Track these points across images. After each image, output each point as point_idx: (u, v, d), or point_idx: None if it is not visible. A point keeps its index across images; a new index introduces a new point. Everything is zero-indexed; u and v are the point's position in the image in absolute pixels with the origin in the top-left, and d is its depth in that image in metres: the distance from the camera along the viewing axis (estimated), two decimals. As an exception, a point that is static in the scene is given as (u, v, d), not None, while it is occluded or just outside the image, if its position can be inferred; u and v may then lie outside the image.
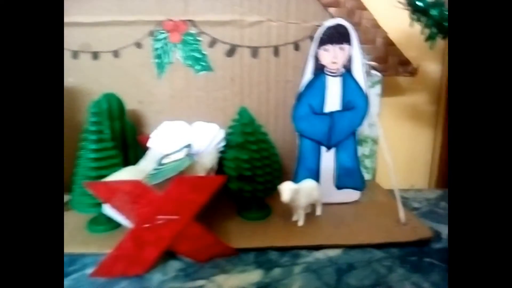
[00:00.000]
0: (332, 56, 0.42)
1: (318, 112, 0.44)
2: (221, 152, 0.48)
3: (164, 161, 0.43)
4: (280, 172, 0.44)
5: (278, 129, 0.55)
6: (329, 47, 0.42)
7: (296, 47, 0.53)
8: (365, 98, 0.44)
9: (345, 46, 0.42)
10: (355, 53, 0.42)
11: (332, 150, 0.46)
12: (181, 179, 0.33)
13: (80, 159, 0.41)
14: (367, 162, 0.56)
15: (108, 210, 0.35)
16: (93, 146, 0.40)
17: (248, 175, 0.41)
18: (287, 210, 0.43)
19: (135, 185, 0.32)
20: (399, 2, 0.47)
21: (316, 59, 0.42)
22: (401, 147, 0.62)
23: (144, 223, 0.33)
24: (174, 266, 0.35)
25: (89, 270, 0.34)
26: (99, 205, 0.40)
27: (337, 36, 0.41)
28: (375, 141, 0.56)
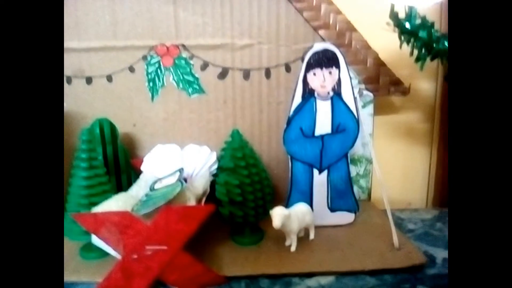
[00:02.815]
0: (321, 80, 0.42)
1: (309, 135, 0.44)
2: (214, 175, 0.48)
3: (156, 186, 0.43)
4: (272, 196, 0.44)
5: (271, 150, 0.55)
6: (317, 71, 0.42)
7: (287, 68, 0.53)
8: (356, 120, 0.44)
9: (334, 70, 0.42)
10: (343, 77, 0.43)
11: (325, 173, 0.45)
12: (168, 209, 0.33)
13: (71, 186, 0.41)
14: (362, 182, 0.56)
15: (96, 240, 0.35)
16: (84, 174, 0.40)
17: (239, 200, 0.41)
18: (281, 234, 0.43)
19: (123, 216, 0.32)
20: (388, 24, 0.47)
21: (305, 83, 0.43)
22: (397, 166, 0.62)
23: (133, 254, 0.32)
24: (164, 296, 0.35)
25: (80, 300, 0.34)
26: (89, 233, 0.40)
27: (325, 60, 0.42)
28: (369, 161, 0.55)
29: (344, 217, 0.47)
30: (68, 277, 0.38)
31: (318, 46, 0.42)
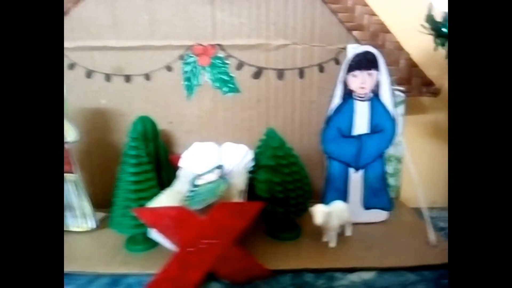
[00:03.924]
0: (360, 81, 0.43)
1: (347, 135, 0.45)
2: (250, 172, 0.49)
3: (198, 182, 0.45)
4: (311, 193, 0.45)
5: (303, 148, 0.56)
6: (357, 73, 0.43)
7: (321, 69, 0.54)
8: (393, 121, 0.45)
9: (373, 72, 0.43)
10: (382, 78, 0.44)
11: (360, 171, 0.47)
12: (223, 205, 0.34)
13: (119, 181, 0.43)
14: (392, 181, 0.57)
15: (154, 234, 0.36)
16: (133, 170, 0.41)
17: (280, 197, 0.42)
18: (317, 230, 0.44)
19: (179, 211, 0.34)
20: (423, 27, 0.48)
21: (345, 84, 0.44)
22: (422, 165, 0.62)
23: (188, 247, 0.34)
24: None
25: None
26: (138, 226, 0.41)
27: (365, 62, 0.43)
28: (399, 160, 0.57)
29: (378, 215, 0.48)
30: (117, 269, 0.40)
31: (359, 48, 0.43)
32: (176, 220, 0.33)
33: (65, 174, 0.46)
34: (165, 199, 0.39)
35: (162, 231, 0.34)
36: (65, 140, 0.44)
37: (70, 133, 0.45)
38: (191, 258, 0.34)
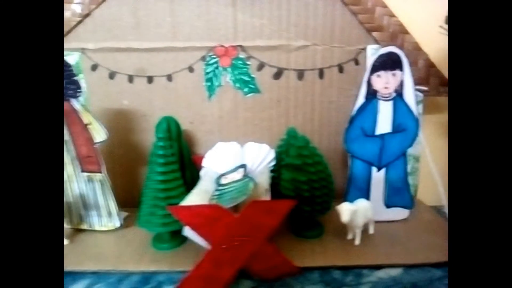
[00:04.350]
0: (385, 81, 0.44)
1: (370, 134, 0.46)
2: (271, 171, 0.50)
3: (222, 181, 0.46)
4: (334, 191, 0.46)
5: (322, 147, 0.56)
6: (381, 73, 0.44)
7: (340, 69, 0.55)
8: (416, 120, 0.46)
9: (397, 72, 0.44)
10: (406, 79, 0.44)
11: (382, 170, 0.47)
12: (255, 203, 0.35)
13: (148, 180, 0.44)
14: (409, 179, 0.58)
15: (187, 231, 0.37)
16: (161, 169, 0.42)
17: (306, 196, 0.43)
18: (339, 228, 0.45)
19: (214, 209, 0.34)
20: (442, 28, 0.49)
21: (369, 84, 0.45)
22: (440, 163, 0.63)
23: (222, 244, 0.35)
24: (245, 284, 0.37)
25: (166, 288, 0.37)
26: (166, 224, 0.42)
27: (389, 63, 0.44)
28: (417, 159, 0.57)
29: (399, 213, 0.49)
30: (147, 267, 0.41)
31: (384, 49, 0.44)
32: (210, 218, 0.34)
33: (92, 174, 0.47)
34: (195, 198, 0.40)
35: (196, 228, 0.35)
36: (94, 141, 0.45)
37: (99, 133, 0.45)
38: (224, 255, 0.35)
